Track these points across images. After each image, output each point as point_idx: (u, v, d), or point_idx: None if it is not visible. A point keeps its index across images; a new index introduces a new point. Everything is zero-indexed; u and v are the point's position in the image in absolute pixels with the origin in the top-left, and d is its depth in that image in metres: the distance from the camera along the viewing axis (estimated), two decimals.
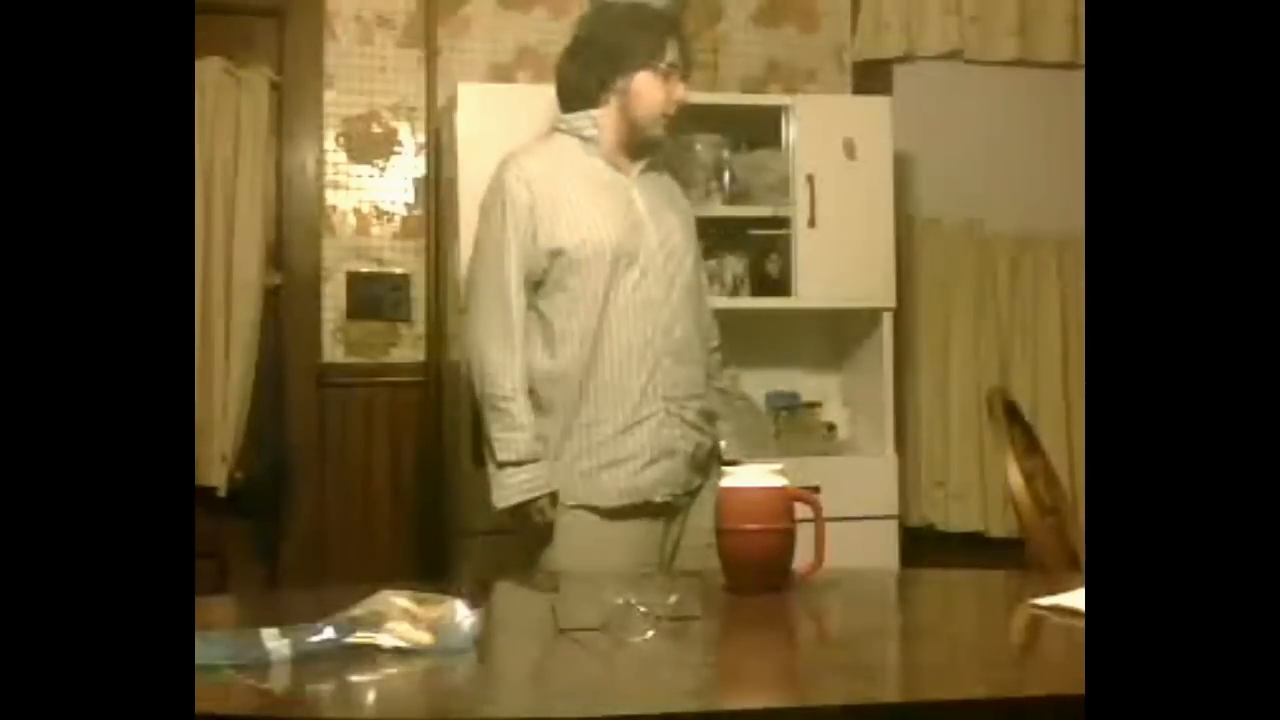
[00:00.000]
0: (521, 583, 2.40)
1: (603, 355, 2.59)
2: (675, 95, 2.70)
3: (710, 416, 2.74)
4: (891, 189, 3.66)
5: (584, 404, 2.60)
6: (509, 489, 2.58)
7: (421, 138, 3.80)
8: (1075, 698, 1.21)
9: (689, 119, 2.96)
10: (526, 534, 2.63)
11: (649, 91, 2.68)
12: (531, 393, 2.62)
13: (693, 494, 2.67)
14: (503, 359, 2.59)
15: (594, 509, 2.59)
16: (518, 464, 2.58)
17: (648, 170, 2.74)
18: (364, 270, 3.76)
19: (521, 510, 2.59)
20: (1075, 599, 1.75)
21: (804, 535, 2.01)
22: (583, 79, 2.72)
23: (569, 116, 2.74)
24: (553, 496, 2.59)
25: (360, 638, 1.52)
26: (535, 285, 2.63)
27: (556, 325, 2.61)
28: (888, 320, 3.68)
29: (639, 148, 2.73)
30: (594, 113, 2.71)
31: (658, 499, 2.61)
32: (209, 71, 3.56)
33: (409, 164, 3.80)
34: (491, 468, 2.62)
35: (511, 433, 2.58)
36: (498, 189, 2.65)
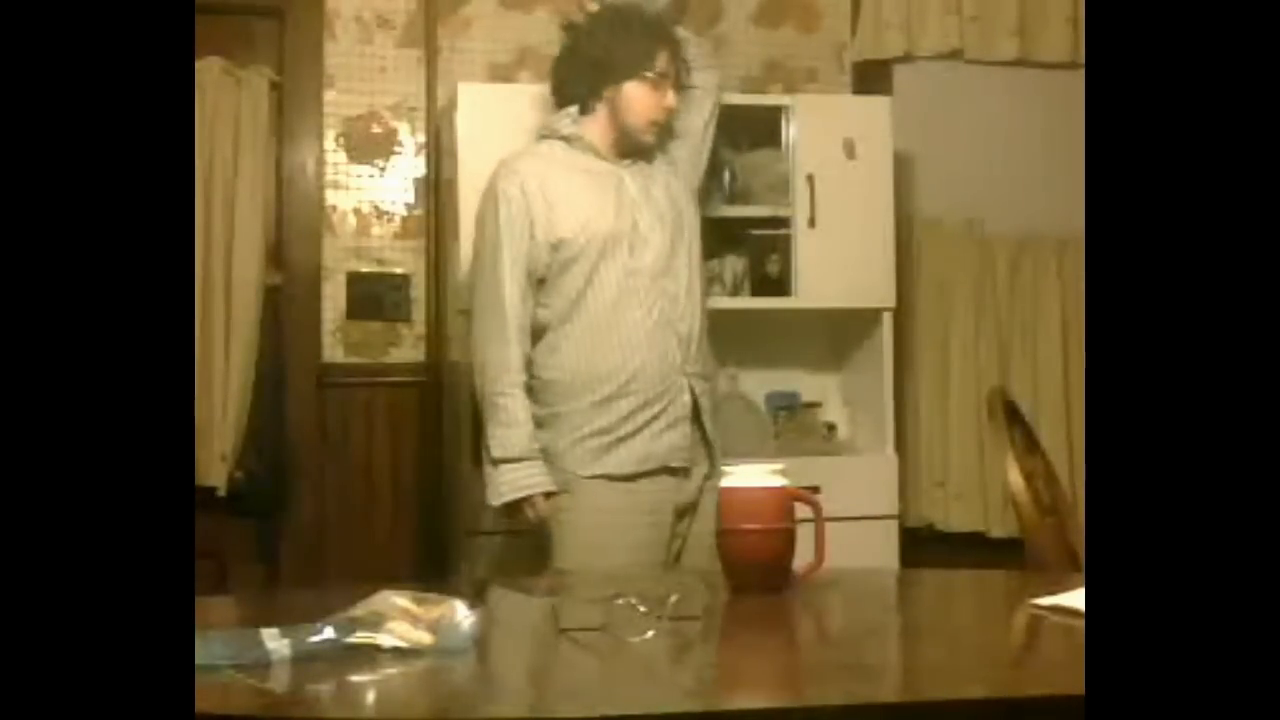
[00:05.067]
0: (521, 583, 2.39)
1: (613, 334, 2.66)
2: (664, 103, 2.77)
3: (709, 375, 2.81)
4: (891, 189, 3.66)
5: (600, 383, 2.66)
6: (503, 486, 2.63)
7: (421, 138, 3.80)
8: (1075, 698, 1.21)
9: None
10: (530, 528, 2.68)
11: (638, 99, 2.75)
12: (546, 384, 2.69)
13: (708, 463, 2.74)
14: (500, 357, 2.66)
15: (610, 477, 2.65)
16: (512, 461, 2.63)
17: (637, 160, 2.80)
18: (364, 270, 3.76)
19: (515, 507, 2.64)
20: (1075, 599, 1.75)
21: (804, 535, 2.01)
22: (574, 86, 2.80)
23: (549, 120, 2.83)
24: (548, 495, 2.63)
25: (360, 638, 1.52)
26: (540, 281, 2.70)
27: (564, 312, 2.69)
28: (888, 320, 3.68)
29: (628, 150, 2.79)
30: (571, 110, 2.79)
31: (674, 463, 2.70)
32: (209, 71, 3.56)
33: (409, 164, 3.80)
34: (487, 464, 2.66)
35: (507, 429, 2.63)
36: (491, 194, 2.73)
